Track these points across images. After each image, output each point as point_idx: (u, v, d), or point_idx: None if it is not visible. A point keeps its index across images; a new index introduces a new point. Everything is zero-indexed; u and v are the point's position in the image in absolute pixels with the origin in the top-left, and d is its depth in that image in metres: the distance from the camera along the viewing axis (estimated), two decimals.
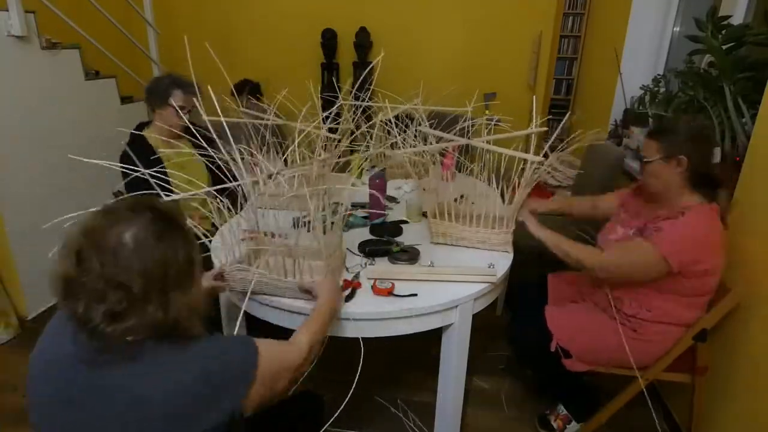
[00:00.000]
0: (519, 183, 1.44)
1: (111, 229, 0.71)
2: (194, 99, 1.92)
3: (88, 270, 0.69)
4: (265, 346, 0.86)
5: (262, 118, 1.44)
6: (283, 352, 0.93)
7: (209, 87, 1.17)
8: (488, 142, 1.44)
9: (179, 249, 0.75)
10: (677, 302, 1.36)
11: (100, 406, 0.72)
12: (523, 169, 1.40)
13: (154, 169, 1.14)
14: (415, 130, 1.75)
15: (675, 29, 2.65)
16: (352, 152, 2.18)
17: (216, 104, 1.16)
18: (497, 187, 1.53)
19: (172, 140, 1.90)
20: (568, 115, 1.49)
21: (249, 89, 3.41)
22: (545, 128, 1.41)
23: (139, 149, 1.86)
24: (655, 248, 1.27)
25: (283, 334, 1.26)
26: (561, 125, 1.51)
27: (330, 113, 1.40)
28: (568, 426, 1.63)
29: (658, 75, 2.48)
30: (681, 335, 1.41)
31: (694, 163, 1.30)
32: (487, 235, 1.52)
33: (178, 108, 1.87)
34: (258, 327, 1.51)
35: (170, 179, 1.75)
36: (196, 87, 1.90)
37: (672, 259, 1.25)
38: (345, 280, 1.32)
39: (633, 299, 1.41)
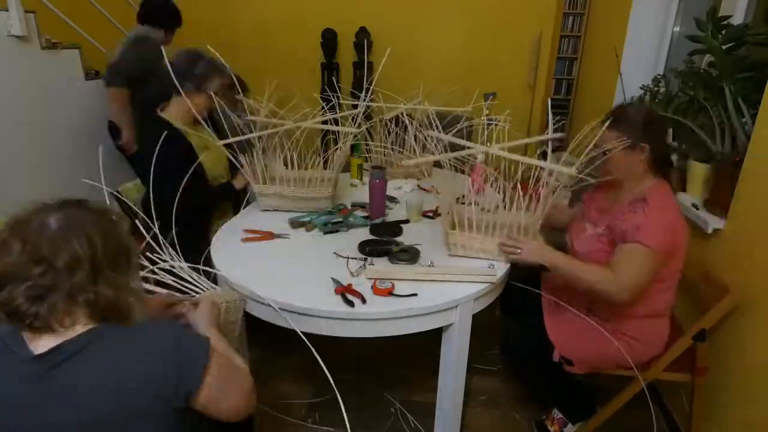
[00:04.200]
0: (539, 192, 1.39)
1: (35, 215, 0.72)
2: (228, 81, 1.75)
3: (10, 252, 0.69)
4: (217, 348, 0.85)
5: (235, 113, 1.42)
6: (233, 364, 0.90)
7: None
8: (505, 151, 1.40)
9: (109, 233, 0.76)
10: (646, 290, 1.33)
11: (54, 410, 0.70)
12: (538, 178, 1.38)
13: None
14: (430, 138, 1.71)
15: (675, 29, 2.64)
16: (355, 148, 2.17)
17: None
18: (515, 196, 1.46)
19: (190, 125, 1.73)
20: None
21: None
22: (562, 134, 1.39)
23: (169, 135, 1.65)
24: (647, 247, 1.26)
25: (282, 334, 1.27)
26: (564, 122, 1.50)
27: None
28: (564, 429, 1.62)
29: (658, 75, 2.47)
30: (663, 326, 1.43)
31: (654, 148, 1.34)
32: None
33: (212, 95, 1.67)
34: (257, 327, 1.51)
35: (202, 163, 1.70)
36: (228, 68, 1.69)
37: (665, 248, 1.28)
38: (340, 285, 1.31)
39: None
